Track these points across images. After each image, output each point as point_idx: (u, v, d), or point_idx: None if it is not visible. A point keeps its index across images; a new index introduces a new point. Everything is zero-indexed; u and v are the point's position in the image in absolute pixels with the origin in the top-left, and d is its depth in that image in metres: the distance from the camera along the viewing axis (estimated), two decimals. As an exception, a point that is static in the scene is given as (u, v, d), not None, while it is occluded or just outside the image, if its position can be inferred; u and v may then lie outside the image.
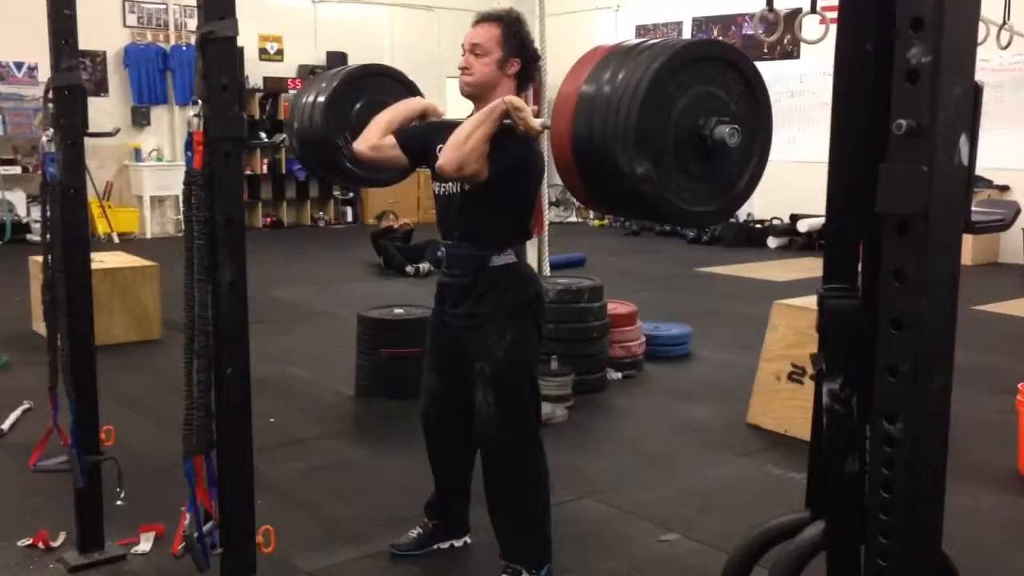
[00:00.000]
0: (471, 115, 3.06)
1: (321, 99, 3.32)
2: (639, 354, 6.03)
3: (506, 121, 2.86)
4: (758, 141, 2.17)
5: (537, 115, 2.90)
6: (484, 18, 3.06)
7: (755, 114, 2.15)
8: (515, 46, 3.02)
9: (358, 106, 3.36)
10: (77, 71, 3.12)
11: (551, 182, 10.89)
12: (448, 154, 2.86)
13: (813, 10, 5.34)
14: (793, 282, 9.01)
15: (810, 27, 5.57)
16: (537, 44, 6.17)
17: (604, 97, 2.01)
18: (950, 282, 1.35)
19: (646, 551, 3.57)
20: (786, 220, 12.36)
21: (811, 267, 9.66)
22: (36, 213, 11.05)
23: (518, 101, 2.87)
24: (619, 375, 5.83)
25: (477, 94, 3.03)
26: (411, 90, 3.50)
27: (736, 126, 2.04)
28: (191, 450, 2.31)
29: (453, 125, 3.03)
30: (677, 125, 2.03)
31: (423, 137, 3.15)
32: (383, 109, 3.26)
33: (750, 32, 12.60)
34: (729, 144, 2.03)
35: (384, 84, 3.47)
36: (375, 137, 3.12)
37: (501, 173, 2.91)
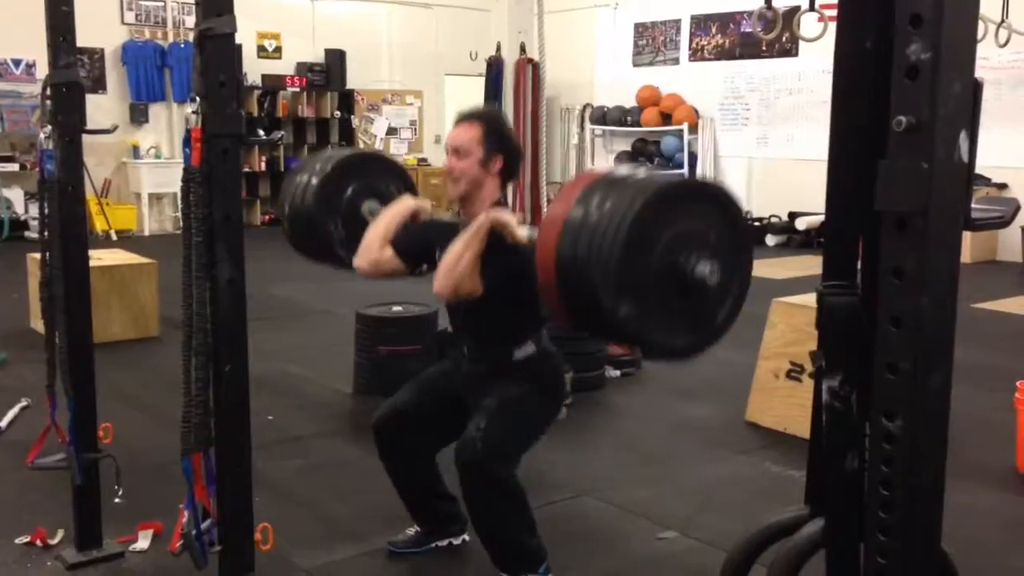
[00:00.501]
0: (457, 212, 3.14)
1: (315, 180, 3.33)
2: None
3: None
4: (737, 276, 2.22)
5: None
6: (463, 118, 3.10)
7: (736, 250, 2.20)
8: (496, 143, 3.05)
9: (350, 191, 3.37)
10: (75, 68, 3.12)
11: (550, 179, 10.90)
12: (441, 281, 2.90)
13: (811, 8, 5.34)
14: (791, 280, 9.01)
15: (808, 25, 5.58)
16: (536, 41, 6.17)
17: (592, 222, 2.06)
18: (949, 279, 1.34)
19: (644, 549, 3.57)
20: (784, 218, 12.37)
21: (809, 265, 9.66)
22: (34, 210, 11.02)
23: (503, 217, 2.87)
24: (617, 373, 5.83)
25: (464, 195, 3.08)
26: (403, 177, 3.53)
27: (716, 265, 2.09)
28: (189, 448, 2.30)
29: (446, 225, 3.11)
30: (659, 261, 2.08)
31: (421, 241, 3.18)
32: (374, 195, 3.32)
33: (748, 30, 12.61)
34: (709, 283, 2.08)
35: (377, 169, 3.49)
36: (375, 252, 3.12)
37: (497, 285, 2.93)
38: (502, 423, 3.01)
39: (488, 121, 3.10)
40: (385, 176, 3.47)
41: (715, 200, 2.17)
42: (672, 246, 2.08)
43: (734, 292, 2.20)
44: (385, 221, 3.16)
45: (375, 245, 3.12)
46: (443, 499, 3.43)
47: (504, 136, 3.11)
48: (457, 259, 2.87)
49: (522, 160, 3.18)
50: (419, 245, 3.17)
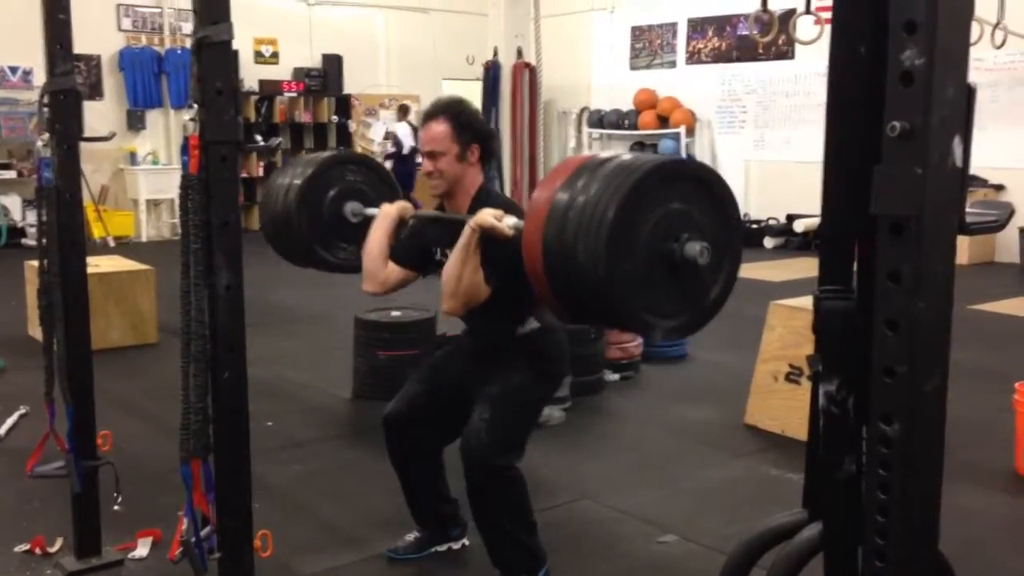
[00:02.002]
0: (439, 206, 3.16)
1: (297, 181, 3.34)
2: (636, 355, 6.03)
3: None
4: (727, 256, 2.21)
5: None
6: (429, 116, 3.09)
7: (724, 229, 2.19)
8: (468, 134, 3.05)
9: (332, 193, 3.38)
10: (72, 75, 3.12)
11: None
12: (449, 303, 2.92)
13: (808, 11, 5.35)
14: (789, 282, 9.02)
15: (804, 27, 5.58)
16: (532, 46, 6.18)
17: (576, 209, 2.05)
18: (945, 283, 1.35)
19: (644, 553, 3.57)
20: (782, 220, 12.38)
21: (807, 267, 9.65)
22: (31, 217, 11.04)
23: (484, 220, 2.82)
24: (616, 376, 5.84)
25: (448, 192, 3.09)
26: (382, 177, 3.53)
27: (706, 244, 2.08)
28: (188, 454, 2.30)
29: (435, 219, 3.13)
30: (647, 243, 2.07)
31: (418, 249, 3.20)
32: (356, 197, 3.34)
33: (745, 32, 12.63)
34: (699, 263, 2.08)
35: (356, 172, 3.49)
36: (381, 272, 3.14)
37: (501, 279, 2.92)
38: (504, 412, 3.03)
39: (454, 114, 3.06)
40: (368, 177, 3.48)
41: (701, 180, 2.16)
42: (660, 227, 2.07)
43: (726, 270, 2.20)
44: (377, 239, 3.16)
45: (377, 267, 3.14)
46: (445, 500, 3.45)
47: (474, 123, 3.10)
48: (458, 278, 2.87)
49: (495, 138, 3.16)
50: (417, 252, 3.19)
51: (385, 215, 3.19)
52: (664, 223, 2.07)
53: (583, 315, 2.31)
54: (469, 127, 3.06)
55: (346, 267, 3.42)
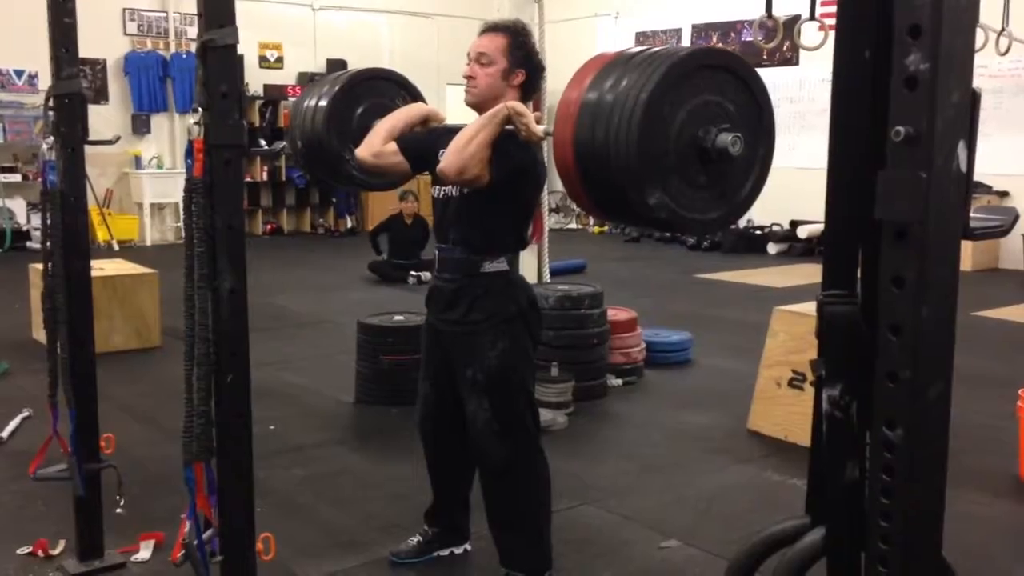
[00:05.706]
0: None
1: (323, 103, 3.33)
2: (639, 360, 6.03)
3: (508, 127, 2.85)
4: (761, 147, 2.19)
5: (539, 122, 2.89)
6: (490, 28, 3.05)
7: (757, 121, 2.18)
8: (521, 57, 3.02)
9: (360, 110, 3.37)
10: (77, 79, 3.13)
11: (551, 188, 10.89)
12: (449, 158, 2.85)
13: (812, 17, 5.35)
14: (793, 288, 9.02)
15: (809, 33, 5.58)
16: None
17: (607, 104, 2.03)
18: (949, 288, 1.34)
19: (646, 558, 3.56)
20: (786, 226, 12.36)
21: (811, 273, 9.66)
22: (36, 221, 11.06)
23: (520, 106, 2.85)
24: (619, 381, 5.83)
25: (481, 104, 3.01)
26: (413, 95, 3.51)
27: (738, 135, 2.05)
28: (191, 457, 2.30)
29: (455, 130, 3.02)
30: (680, 134, 2.05)
31: (425, 143, 3.15)
32: (385, 113, 3.27)
33: (749, 39, 12.63)
34: (731, 152, 2.06)
35: (386, 88, 3.48)
36: (378, 144, 3.12)
37: (502, 178, 2.90)
38: (502, 399, 3.05)
39: (515, 33, 3.05)
40: (397, 95, 3.47)
41: (734, 71, 2.13)
42: (691, 119, 2.05)
43: (759, 160, 2.19)
44: (394, 119, 3.17)
45: (379, 138, 3.13)
46: (462, 509, 3.47)
47: (529, 50, 3.07)
48: (469, 139, 2.84)
49: (543, 78, 3.15)
50: (423, 145, 3.15)
51: (413, 108, 3.23)
52: (695, 115, 2.05)
53: (617, 213, 2.28)
54: (524, 49, 3.04)
55: (373, 185, 3.46)
